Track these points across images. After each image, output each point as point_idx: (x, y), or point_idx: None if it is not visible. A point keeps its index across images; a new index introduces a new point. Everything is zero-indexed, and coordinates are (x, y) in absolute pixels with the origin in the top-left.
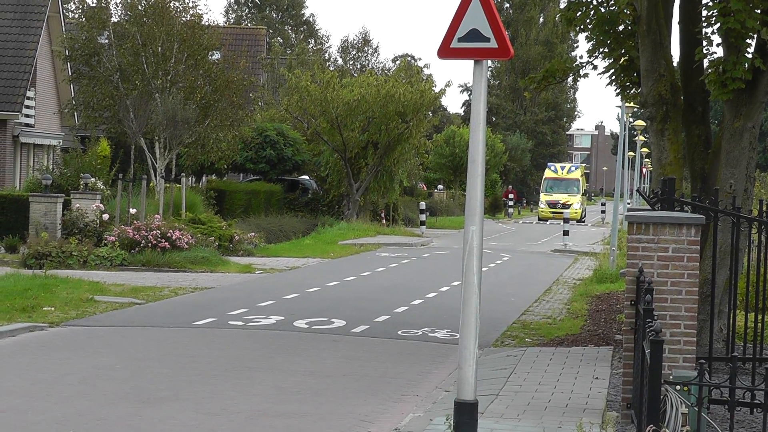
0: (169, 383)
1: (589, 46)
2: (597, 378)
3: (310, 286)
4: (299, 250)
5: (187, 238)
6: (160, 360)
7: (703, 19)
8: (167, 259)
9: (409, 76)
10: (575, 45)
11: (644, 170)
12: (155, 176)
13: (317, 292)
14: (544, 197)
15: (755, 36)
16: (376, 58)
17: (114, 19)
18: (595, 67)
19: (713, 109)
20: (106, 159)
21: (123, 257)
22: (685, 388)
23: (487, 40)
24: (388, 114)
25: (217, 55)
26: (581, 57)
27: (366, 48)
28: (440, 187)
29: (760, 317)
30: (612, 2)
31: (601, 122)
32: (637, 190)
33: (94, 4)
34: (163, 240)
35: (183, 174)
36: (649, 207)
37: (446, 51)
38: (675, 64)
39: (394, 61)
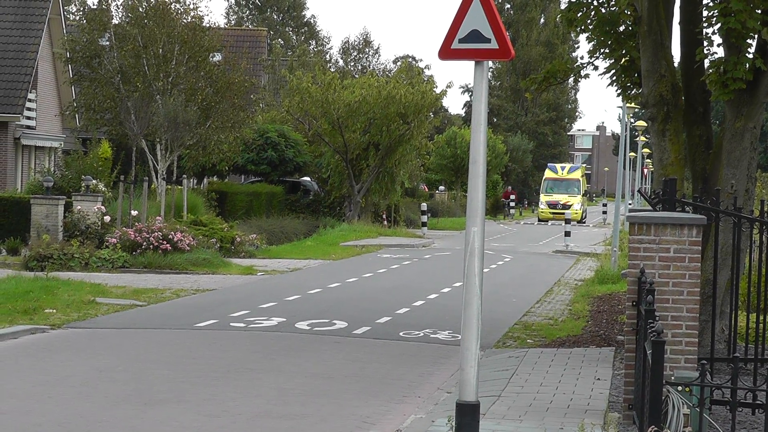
0: (171, 385)
1: (589, 46)
2: (599, 379)
3: (312, 288)
4: (301, 252)
5: (188, 239)
6: (161, 362)
7: (704, 19)
8: (169, 261)
9: (410, 77)
10: (576, 46)
11: (645, 171)
12: (156, 178)
13: (319, 294)
14: (544, 198)
15: (756, 36)
16: (377, 59)
17: (115, 21)
18: (596, 68)
19: (714, 110)
20: (107, 161)
21: (124, 259)
22: (687, 389)
23: (488, 41)
24: (389, 115)
25: (218, 57)
26: (582, 58)
27: (367, 49)
28: (441, 188)
29: (761, 318)
30: (613, 3)
31: (602, 123)
32: (639, 191)
33: (95, 6)
34: (165, 242)
35: (184, 176)
36: (650, 207)
37: (447, 52)
38: (676, 65)
39: (395, 62)
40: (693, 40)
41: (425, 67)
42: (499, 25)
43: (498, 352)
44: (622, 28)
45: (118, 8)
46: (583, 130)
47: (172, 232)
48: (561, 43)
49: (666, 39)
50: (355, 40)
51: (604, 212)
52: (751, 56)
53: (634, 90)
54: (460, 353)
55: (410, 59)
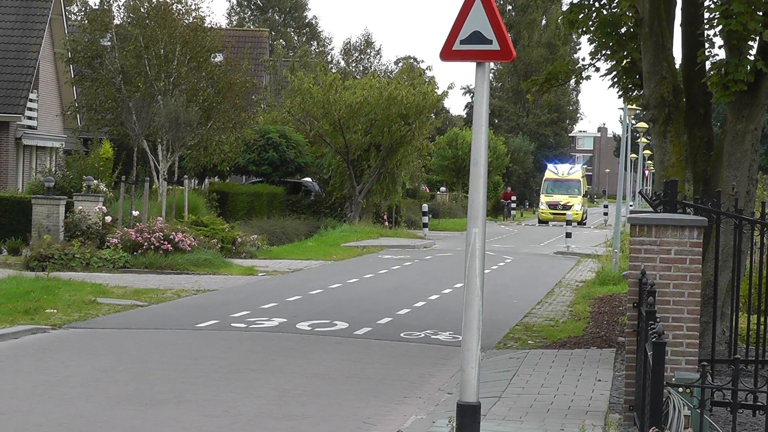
0: (172, 385)
1: (591, 48)
2: (599, 380)
3: (313, 289)
4: (302, 253)
5: (189, 240)
6: (162, 362)
7: (705, 21)
8: (170, 262)
9: (411, 78)
10: (578, 47)
11: (647, 172)
12: (158, 178)
13: (320, 295)
14: (544, 198)
15: (757, 38)
16: (379, 60)
17: (116, 21)
18: (597, 69)
19: (715, 111)
20: (108, 161)
21: (125, 259)
22: (688, 390)
23: (490, 42)
24: (390, 116)
25: (219, 58)
26: (583, 59)
27: (368, 50)
28: (443, 189)
29: (762, 319)
30: (614, 4)
31: (604, 124)
32: (640, 192)
33: (96, 7)
34: (166, 242)
35: (185, 176)
36: (651, 209)
37: (448, 53)
38: (677, 67)
39: (396, 63)
40: (694, 42)
41: (427, 68)
42: (500, 26)
43: (499, 353)
44: (623, 30)
45: (120, 8)
46: (584, 131)
47: (173, 233)
48: (562, 45)
49: (667, 41)
50: (356, 41)
51: (605, 214)
52: (752, 58)
53: (636, 91)
54: (461, 354)
55: (412, 60)
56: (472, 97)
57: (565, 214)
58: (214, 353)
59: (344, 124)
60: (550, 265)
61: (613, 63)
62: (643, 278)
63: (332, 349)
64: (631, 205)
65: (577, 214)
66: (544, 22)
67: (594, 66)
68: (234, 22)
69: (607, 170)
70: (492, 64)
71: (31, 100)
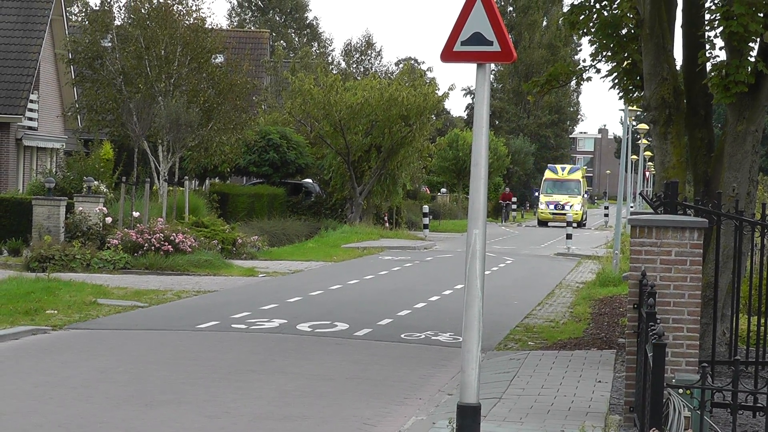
0: (172, 386)
1: (592, 49)
2: (600, 381)
3: (313, 290)
4: (302, 254)
5: (190, 241)
6: (162, 363)
7: (706, 22)
8: (170, 263)
9: (412, 79)
10: (578, 48)
11: (647, 173)
12: (158, 179)
13: (320, 296)
14: (544, 198)
15: (758, 39)
16: (380, 61)
17: (117, 22)
18: (598, 71)
19: (716, 113)
20: (109, 162)
21: (126, 260)
22: (688, 392)
23: (490, 43)
24: (391, 117)
25: (220, 59)
26: (584, 61)
27: (369, 51)
28: (443, 190)
29: (762, 321)
30: (615, 6)
31: (604, 126)
32: (640, 194)
33: (97, 8)
34: (167, 243)
35: (186, 177)
36: (652, 210)
37: (449, 54)
38: (678, 68)
39: (397, 64)
40: (695, 44)
41: (427, 70)
42: (501, 27)
43: (499, 355)
44: (624, 31)
45: (121, 9)
46: (585, 132)
47: (174, 234)
48: (563, 46)
49: (668, 42)
50: (357, 42)
51: (606, 215)
52: (753, 59)
53: (636, 93)
54: (461, 355)
55: (412, 61)
56: (472, 99)
57: (564, 214)
58: (214, 354)
59: (345, 126)
60: (551, 267)
61: (613, 64)
62: (643, 280)
63: (332, 350)
64: (631, 207)
65: (576, 214)
66: (545, 23)
67: (595, 67)
68: (235, 23)
69: (608, 171)
70: (493, 66)
71: (31, 101)
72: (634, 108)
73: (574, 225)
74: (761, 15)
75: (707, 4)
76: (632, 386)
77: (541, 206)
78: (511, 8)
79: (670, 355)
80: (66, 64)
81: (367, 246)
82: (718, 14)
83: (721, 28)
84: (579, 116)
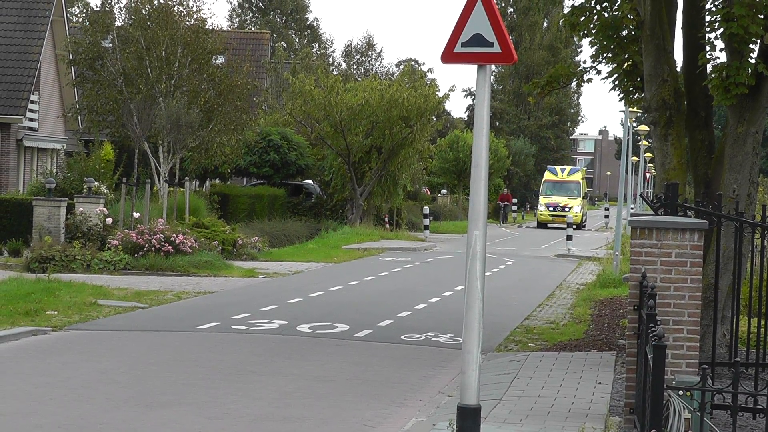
0: (172, 387)
1: (592, 51)
2: (600, 383)
3: (314, 291)
4: (303, 255)
5: (190, 242)
6: (162, 364)
7: (707, 24)
8: (171, 263)
9: (412, 80)
10: (579, 50)
11: (648, 175)
12: (159, 180)
13: (321, 297)
14: (543, 200)
15: (758, 41)
16: (380, 62)
17: (118, 23)
18: (598, 72)
19: (716, 114)
20: (109, 163)
21: (126, 261)
22: (688, 393)
23: (491, 44)
24: (391, 118)
25: (221, 59)
26: (585, 62)
27: (370, 52)
28: (444, 191)
29: (762, 322)
30: (615, 7)
31: (605, 127)
32: (641, 195)
33: (98, 8)
34: (167, 244)
35: (187, 178)
36: (652, 212)
37: (450, 56)
38: (678, 69)
39: (397, 65)
40: (695, 45)
41: (428, 71)
42: (501, 29)
43: (499, 356)
44: (624, 33)
45: (121, 10)
46: (585, 134)
47: (174, 235)
48: (564, 48)
49: (669, 44)
50: (357, 44)
51: (606, 216)
52: (753, 61)
53: (637, 94)
54: (461, 357)
55: (413, 62)
56: (473, 100)
57: (564, 216)
58: (214, 355)
59: (345, 127)
60: (551, 268)
61: (614, 66)
62: (643, 281)
63: (333, 352)
64: (632, 208)
65: (576, 216)
66: (545, 24)
67: (595, 69)
68: (235, 24)
69: (608, 173)
70: (493, 67)
71: (32, 102)
72: (635, 109)
73: (574, 227)
74: (761, 17)
75: (708, 6)
76: (632, 388)
77: (541, 208)
78: (511, 9)
79: (670, 357)
80: (67, 64)
81: (367, 247)
82: (718, 16)
83: (721, 30)
84: (579, 118)
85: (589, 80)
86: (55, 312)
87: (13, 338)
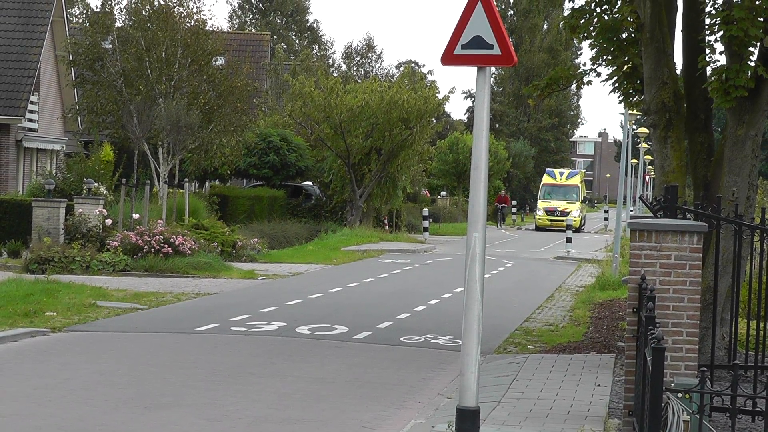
0: (171, 389)
1: (592, 53)
2: (599, 385)
3: (313, 293)
4: (302, 256)
5: (190, 243)
6: (162, 366)
7: (706, 27)
8: (170, 265)
9: (412, 82)
10: (579, 52)
11: (647, 177)
12: (158, 181)
13: (320, 299)
14: (541, 204)
15: (758, 44)
16: (380, 64)
17: (118, 24)
18: (598, 75)
19: (716, 117)
20: (109, 164)
21: (126, 262)
22: (687, 396)
23: (491, 47)
24: (391, 120)
25: (220, 61)
26: (585, 64)
27: (370, 54)
28: (443, 193)
29: (762, 325)
30: (615, 10)
31: (605, 129)
32: (640, 197)
33: (98, 9)
34: (166, 245)
35: (186, 179)
36: (651, 214)
37: (450, 58)
38: (678, 72)
39: (397, 67)
40: (695, 48)
41: (428, 73)
42: (501, 31)
43: (499, 358)
44: (624, 35)
45: (121, 11)
46: (585, 136)
47: (174, 236)
48: (564, 50)
49: (668, 46)
50: (358, 45)
51: (606, 219)
52: (753, 64)
53: (637, 97)
54: (460, 358)
55: (413, 64)
56: (473, 102)
57: (562, 221)
58: (213, 357)
59: (345, 128)
60: (550, 270)
61: (614, 68)
62: (642, 283)
63: (332, 353)
64: (631, 210)
65: (575, 220)
66: (545, 27)
67: (595, 71)
68: (235, 26)
69: (608, 175)
70: (493, 69)
71: (32, 103)
72: (635, 112)
73: (573, 230)
74: (761, 19)
75: (707, 9)
76: (631, 390)
77: (539, 212)
78: (511, 12)
79: (669, 359)
80: (66, 65)
81: (366, 249)
82: (718, 18)
83: (721, 33)
84: (579, 120)
85: (589, 83)
86: (54, 313)
87: (12, 339)
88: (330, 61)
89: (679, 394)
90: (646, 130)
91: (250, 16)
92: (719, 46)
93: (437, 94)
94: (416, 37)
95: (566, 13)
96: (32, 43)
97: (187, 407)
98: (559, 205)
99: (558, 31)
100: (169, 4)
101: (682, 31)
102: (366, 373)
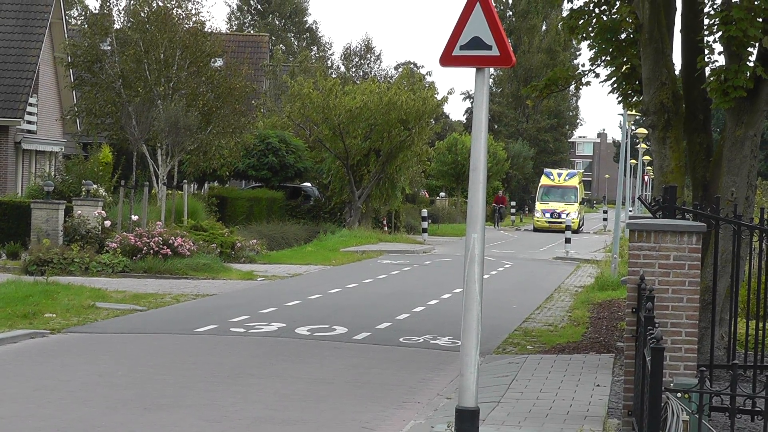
0: (171, 390)
1: (591, 54)
2: (598, 385)
3: (312, 293)
4: (301, 257)
5: (188, 245)
6: (161, 367)
7: (705, 27)
8: (169, 266)
9: (411, 83)
10: (578, 53)
11: (646, 178)
12: (157, 183)
13: (319, 299)
14: (539, 206)
15: (757, 44)
16: (379, 65)
17: (116, 25)
18: (597, 75)
19: (715, 118)
20: (108, 166)
21: (125, 264)
22: (686, 396)
23: (489, 48)
24: (390, 121)
25: (219, 62)
26: (583, 65)
27: (368, 55)
28: (442, 194)
29: (761, 325)
30: (614, 10)
31: (603, 130)
32: (639, 198)
33: (96, 11)
34: (165, 247)
35: (185, 181)
36: (650, 215)
37: (448, 59)
38: (677, 73)
39: (396, 68)
40: (694, 48)
41: (427, 74)
42: (500, 32)
43: (498, 358)
44: (623, 36)
45: (120, 13)
46: (584, 137)
47: (173, 237)
48: (562, 51)
49: (667, 47)
50: (356, 46)
51: (605, 219)
52: (751, 64)
53: (635, 97)
54: (459, 359)
55: (412, 65)
56: (471, 103)
57: (561, 222)
58: (213, 358)
59: (344, 129)
60: (549, 271)
61: (612, 69)
62: (641, 283)
63: (331, 354)
64: (630, 211)
65: (573, 222)
66: (544, 27)
67: (594, 72)
68: (234, 27)
69: (607, 176)
70: (492, 70)
71: (30, 104)
72: (633, 112)
73: (571, 231)
74: (760, 20)
75: (706, 9)
76: (631, 390)
77: (537, 214)
78: (510, 13)
79: (668, 359)
80: (65, 67)
81: (365, 250)
82: (717, 19)
83: (720, 33)
84: (578, 120)
85: (588, 83)
86: (54, 315)
87: (11, 341)
88: (329, 62)
89: (679, 394)
90: (645, 131)
91: (249, 17)
92: (718, 47)
93: (436, 95)
94: (415, 38)
95: (565, 13)
96: (31, 45)
97: (187, 408)
98: (558, 206)
99: (557, 31)
100: (168, 5)
101: (680, 31)
102: (365, 374)
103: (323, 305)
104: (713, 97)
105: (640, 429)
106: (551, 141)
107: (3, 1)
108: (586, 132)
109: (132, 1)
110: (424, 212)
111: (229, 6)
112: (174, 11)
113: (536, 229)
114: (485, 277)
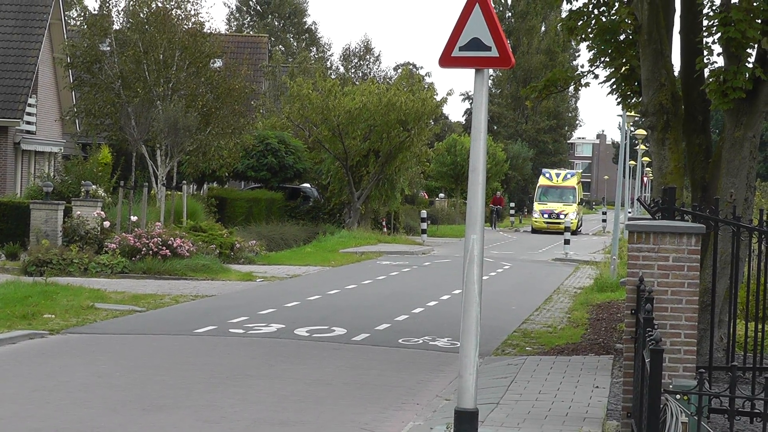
0: (169, 391)
1: (590, 55)
2: (597, 387)
3: (311, 294)
4: (300, 258)
5: (188, 245)
6: (160, 368)
7: (704, 28)
8: (168, 267)
9: (410, 84)
10: (577, 54)
11: (645, 179)
12: (156, 184)
13: (318, 300)
14: (537, 206)
15: (756, 46)
16: (378, 66)
17: (116, 26)
18: (596, 77)
19: (714, 119)
20: (107, 166)
21: (124, 265)
22: (685, 397)
23: (489, 49)
24: (389, 122)
25: (218, 63)
26: (582, 66)
27: (368, 56)
28: (441, 195)
29: (760, 326)
30: (613, 12)
31: (602, 131)
32: (638, 199)
33: (95, 12)
34: (164, 248)
35: (184, 181)
36: (649, 216)
37: (447, 60)
38: (676, 74)
39: (395, 69)
40: (693, 50)
41: (426, 75)
42: (499, 33)
43: (497, 360)
44: (622, 37)
45: (119, 14)
46: (583, 138)
47: (172, 238)
48: (561, 52)
49: (666, 48)
50: (355, 47)
51: (604, 220)
52: (750, 66)
53: (634, 99)
54: (458, 360)
55: (411, 66)
56: (470, 104)
57: (559, 223)
58: (211, 359)
59: (343, 130)
60: (549, 272)
61: (611, 70)
62: (641, 285)
63: (330, 355)
64: (629, 212)
65: (572, 222)
66: (543, 28)
67: (593, 73)
68: (233, 28)
69: (606, 177)
70: (491, 71)
71: (29, 105)
72: (632, 113)
73: (570, 232)
74: (759, 21)
75: (705, 11)
76: (630, 392)
77: (535, 215)
78: (509, 14)
79: (667, 361)
80: (64, 68)
81: (365, 251)
82: (715, 20)
83: (718, 34)
84: (577, 122)
85: (587, 84)
86: (53, 315)
87: (10, 342)
88: (328, 63)
89: (678, 396)
90: (644, 132)
91: (248, 18)
92: (717, 48)
93: (435, 96)
94: (414, 39)
95: (564, 14)
96: (30, 46)
97: (186, 409)
98: (556, 207)
99: (556, 32)
100: (167, 6)
101: (679, 32)
102: (364, 375)
103: (322, 306)
104: (712, 98)
105: (639, 431)
106: (550, 142)
107: (2, 2)
108: (585, 133)
109: (131, 2)
110: (423, 213)
111: (228, 7)
112: (173, 12)
113: (534, 230)
114: (484, 278)
